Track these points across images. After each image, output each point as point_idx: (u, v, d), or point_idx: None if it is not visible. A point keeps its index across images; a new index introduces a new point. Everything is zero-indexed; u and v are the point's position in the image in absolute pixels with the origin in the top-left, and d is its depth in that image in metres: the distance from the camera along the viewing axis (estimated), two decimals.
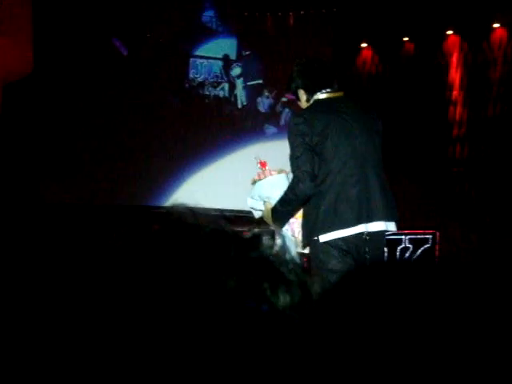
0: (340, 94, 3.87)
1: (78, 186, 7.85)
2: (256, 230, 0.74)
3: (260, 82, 8.24)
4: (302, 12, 8.14)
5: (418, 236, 7.13)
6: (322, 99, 3.81)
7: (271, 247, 0.72)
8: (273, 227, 3.64)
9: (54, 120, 7.99)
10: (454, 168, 7.79)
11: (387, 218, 3.66)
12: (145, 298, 0.66)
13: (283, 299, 0.69)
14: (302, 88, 3.90)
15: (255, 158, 3.93)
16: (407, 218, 8.01)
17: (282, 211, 3.73)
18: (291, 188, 3.65)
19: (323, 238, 3.59)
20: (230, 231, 0.72)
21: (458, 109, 7.84)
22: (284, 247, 0.72)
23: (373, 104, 4.14)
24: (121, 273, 0.69)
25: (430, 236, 7.10)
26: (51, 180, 7.84)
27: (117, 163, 7.96)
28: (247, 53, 8.27)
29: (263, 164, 3.92)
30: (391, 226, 3.71)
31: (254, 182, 3.88)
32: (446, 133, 7.85)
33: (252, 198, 3.92)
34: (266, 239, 0.72)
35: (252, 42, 8.25)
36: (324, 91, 3.82)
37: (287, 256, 0.72)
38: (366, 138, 3.72)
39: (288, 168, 3.82)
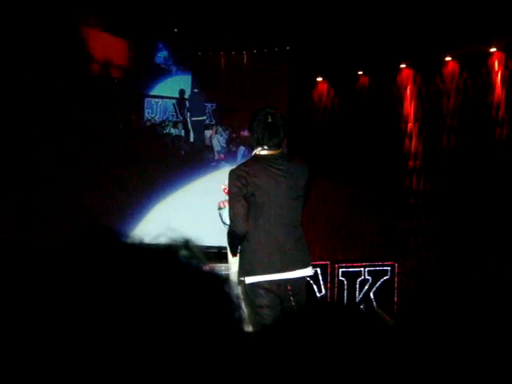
0: (278, 151, 4.19)
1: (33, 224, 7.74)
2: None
3: (209, 120, 8.38)
4: (254, 51, 8.24)
5: (377, 268, 7.15)
6: (262, 155, 4.14)
7: None
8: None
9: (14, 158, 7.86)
10: (410, 199, 7.85)
11: (302, 266, 4.16)
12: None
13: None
14: (255, 137, 4.21)
15: (223, 185, 4.23)
16: (366, 250, 8.04)
17: (229, 242, 4.25)
18: (230, 227, 4.13)
19: (248, 280, 4.07)
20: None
21: (413, 141, 7.93)
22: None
23: (303, 161, 4.44)
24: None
25: (389, 268, 7.12)
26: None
27: (76, 200, 7.90)
28: (200, 90, 8.33)
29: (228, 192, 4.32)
30: (308, 272, 4.23)
31: (220, 208, 4.24)
32: (402, 165, 7.93)
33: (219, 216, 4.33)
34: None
35: (206, 80, 8.32)
36: (266, 148, 4.14)
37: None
38: (292, 196, 4.15)
39: None
